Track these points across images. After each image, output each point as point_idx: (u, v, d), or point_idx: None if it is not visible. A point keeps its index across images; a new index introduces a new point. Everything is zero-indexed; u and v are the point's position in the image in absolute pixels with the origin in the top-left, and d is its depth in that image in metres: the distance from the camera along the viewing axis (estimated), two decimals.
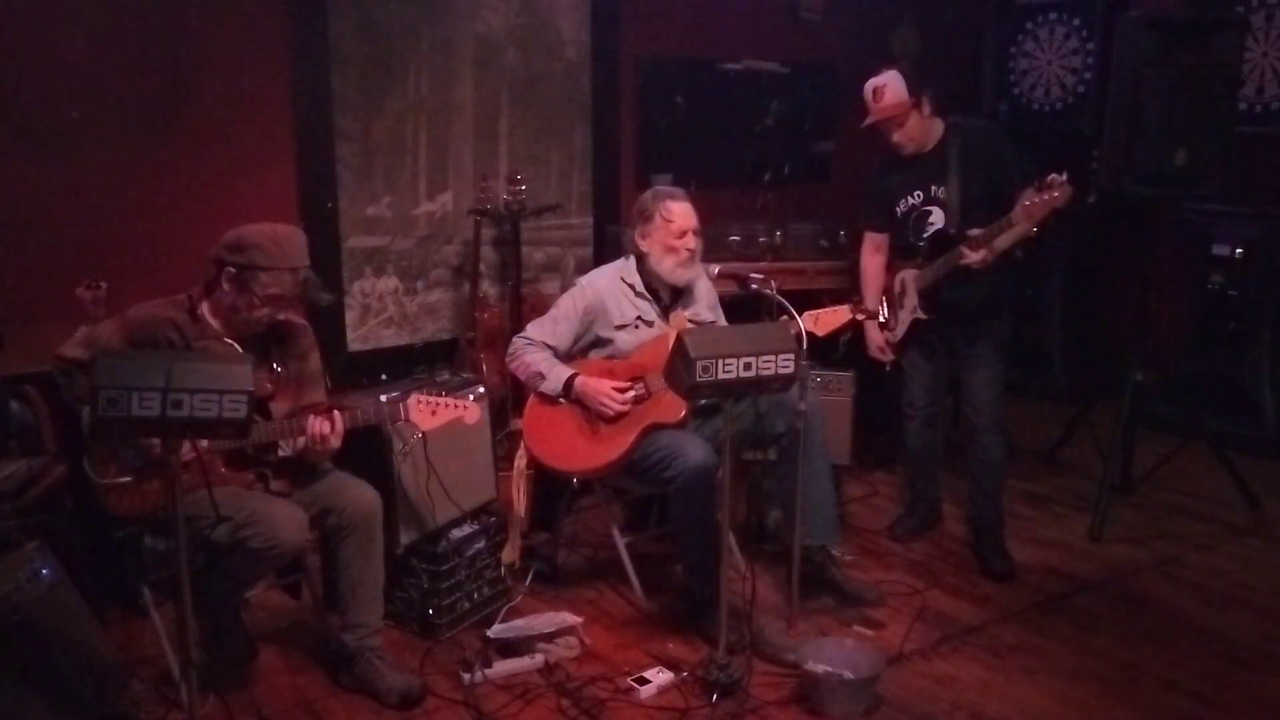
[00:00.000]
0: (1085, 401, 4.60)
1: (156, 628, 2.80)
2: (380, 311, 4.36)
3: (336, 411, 2.68)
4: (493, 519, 3.32)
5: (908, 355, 3.67)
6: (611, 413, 3.13)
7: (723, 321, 3.43)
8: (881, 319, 3.56)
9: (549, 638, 3.01)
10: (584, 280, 3.36)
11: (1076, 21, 5.31)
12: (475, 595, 3.21)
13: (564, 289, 3.74)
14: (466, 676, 2.87)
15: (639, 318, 3.26)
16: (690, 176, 4.58)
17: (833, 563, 3.25)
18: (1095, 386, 4.65)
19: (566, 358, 3.29)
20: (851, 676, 2.73)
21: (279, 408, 2.74)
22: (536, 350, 3.25)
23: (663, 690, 2.83)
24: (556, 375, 3.20)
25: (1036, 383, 5.45)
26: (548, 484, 3.56)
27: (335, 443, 2.68)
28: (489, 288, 4.50)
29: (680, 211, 3.21)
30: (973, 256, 3.26)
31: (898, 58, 3.59)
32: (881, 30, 5.54)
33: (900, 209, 3.54)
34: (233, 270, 2.61)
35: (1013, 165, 3.35)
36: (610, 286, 3.29)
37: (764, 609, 3.17)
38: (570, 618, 3.08)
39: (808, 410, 3.07)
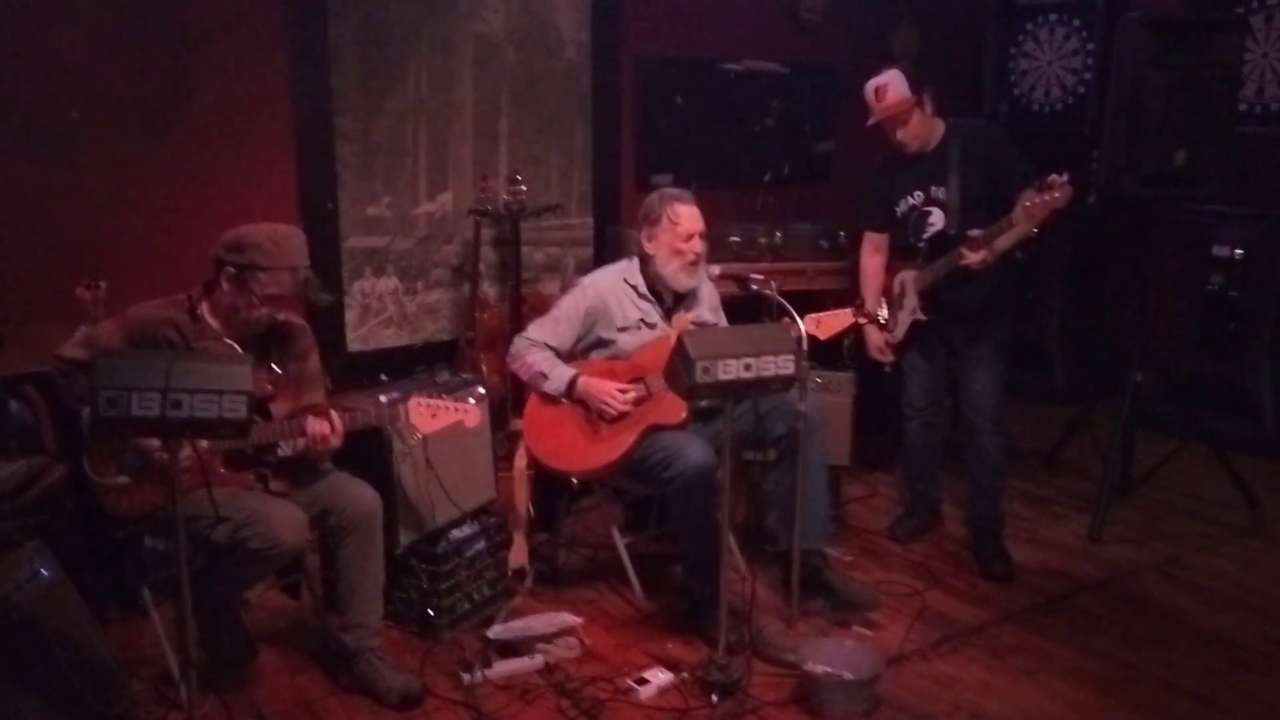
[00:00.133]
0: (1085, 402, 4.60)
1: (156, 628, 2.80)
2: (380, 312, 4.36)
3: (334, 412, 2.68)
4: (492, 519, 3.32)
5: (907, 356, 3.68)
6: (614, 413, 3.13)
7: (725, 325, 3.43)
8: (881, 320, 3.56)
9: (549, 638, 3.01)
10: (586, 281, 3.36)
11: (1076, 22, 5.31)
12: (475, 596, 3.21)
13: (564, 289, 3.74)
14: (466, 677, 2.87)
15: (641, 320, 3.26)
16: (690, 177, 4.57)
17: (827, 566, 3.25)
18: (1095, 387, 4.66)
19: (568, 358, 3.29)
20: (851, 677, 2.73)
21: (279, 408, 2.74)
22: (538, 350, 3.25)
23: (662, 691, 2.83)
24: (559, 375, 3.20)
25: (1036, 383, 5.45)
26: (547, 484, 3.56)
27: (336, 442, 2.68)
28: (489, 288, 4.49)
29: (688, 214, 3.21)
30: (973, 257, 3.26)
31: (897, 58, 3.59)
32: (881, 30, 5.54)
33: (900, 209, 3.54)
34: (232, 270, 2.61)
35: (1013, 166, 3.35)
36: (613, 287, 3.29)
37: (764, 609, 3.17)
38: (570, 618, 3.08)
39: (808, 413, 3.08)
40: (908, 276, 3.53)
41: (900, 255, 3.61)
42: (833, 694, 2.72)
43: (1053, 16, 5.40)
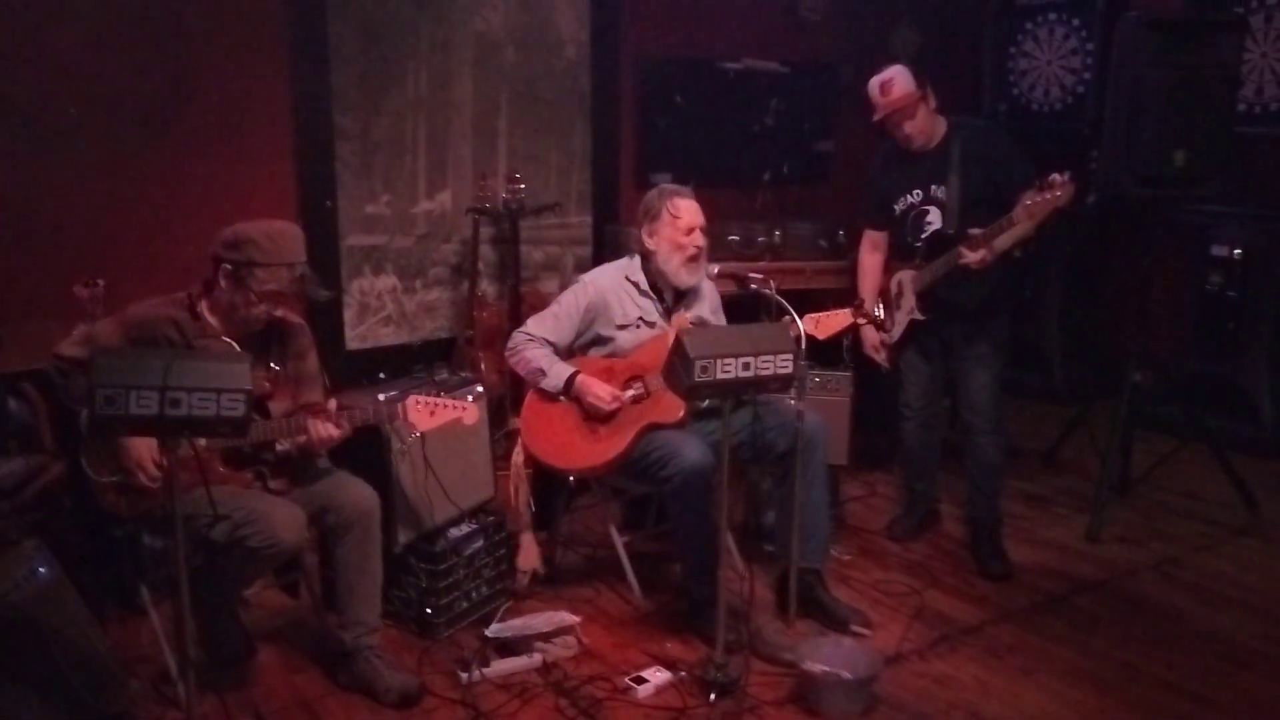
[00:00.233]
0: (1084, 402, 4.60)
1: (154, 626, 2.80)
2: (379, 310, 4.36)
3: (338, 411, 2.68)
4: (491, 518, 3.32)
5: (905, 356, 3.67)
6: (605, 409, 3.13)
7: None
8: (879, 317, 3.55)
9: (547, 637, 3.01)
10: (586, 277, 3.35)
11: (1076, 22, 5.31)
12: (473, 594, 3.21)
13: (563, 288, 3.74)
14: (464, 676, 2.87)
15: (641, 318, 3.26)
16: (689, 176, 4.56)
17: (820, 584, 3.24)
18: (1094, 387, 4.66)
19: (566, 354, 3.29)
20: (849, 676, 2.73)
21: (277, 407, 2.74)
22: (537, 346, 3.25)
23: (660, 690, 2.83)
24: (557, 373, 3.19)
25: (1035, 383, 5.45)
26: (546, 482, 3.56)
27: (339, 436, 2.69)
28: (487, 286, 4.50)
29: (687, 208, 3.21)
30: (972, 256, 3.26)
31: (897, 57, 3.60)
32: (881, 30, 5.54)
33: (899, 207, 3.53)
34: (229, 267, 2.61)
35: (1014, 168, 3.35)
36: (613, 285, 3.28)
37: (762, 608, 3.17)
38: (568, 617, 3.07)
39: (810, 429, 3.07)
40: (905, 276, 3.53)
41: (898, 255, 3.61)
42: (831, 693, 2.72)
43: (1052, 16, 5.40)
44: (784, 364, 2.61)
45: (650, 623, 3.22)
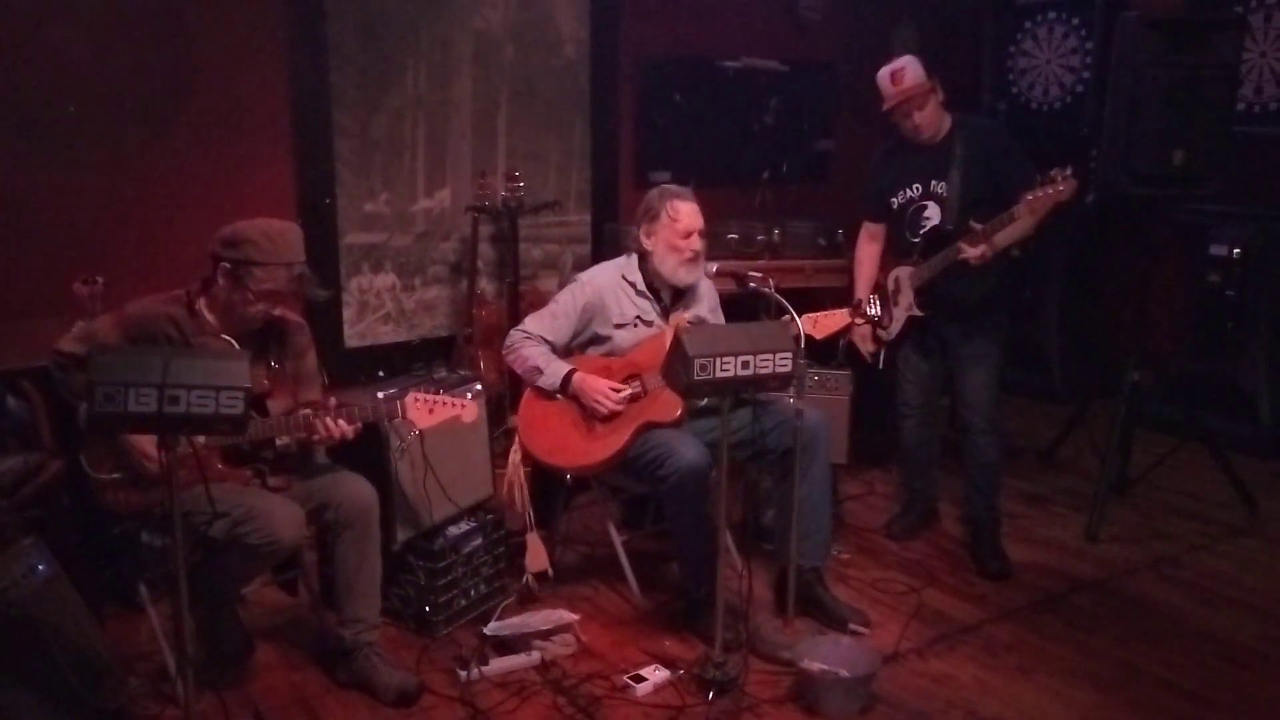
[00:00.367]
0: (1082, 401, 4.60)
1: (153, 624, 2.80)
2: (378, 308, 4.36)
3: (336, 408, 2.68)
4: (490, 516, 3.32)
5: (903, 354, 3.67)
6: (604, 411, 3.13)
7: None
8: (875, 316, 3.55)
9: (545, 635, 3.01)
10: (584, 276, 3.35)
11: (1075, 21, 5.31)
12: (472, 592, 3.21)
13: (562, 286, 3.73)
14: (463, 674, 2.87)
15: (638, 317, 3.26)
16: (689, 174, 4.58)
17: (820, 583, 3.24)
18: (1092, 386, 4.65)
19: (564, 353, 3.29)
20: (847, 674, 2.73)
21: (276, 405, 2.74)
22: (534, 344, 3.25)
23: (659, 688, 2.83)
24: (554, 371, 3.19)
25: (1034, 382, 5.46)
26: (544, 481, 3.56)
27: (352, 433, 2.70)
28: (487, 285, 4.49)
29: (687, 211, 3.20)
30: (972, 252, 3.25)
31: (897, 56, 3.60)
32: (881, 29, 5.54)
33: (897, 201, 3.53)
34: (228, 265, 2.61)
35: (1016, 168, 3.34)
36: (611, 284, 3.28)
37: (760, 607, 3.17)
38: (567, 615, 3.08)
39: (811, 428, 3.07)
40: (903, 272, 3.52)
41: (895, 251, 3.60)
42: (829, 691, 2.72)
43: (1051, 15, 5.40)
44: (783, 362, 2.61)
45: (649, 621, 3.22)
